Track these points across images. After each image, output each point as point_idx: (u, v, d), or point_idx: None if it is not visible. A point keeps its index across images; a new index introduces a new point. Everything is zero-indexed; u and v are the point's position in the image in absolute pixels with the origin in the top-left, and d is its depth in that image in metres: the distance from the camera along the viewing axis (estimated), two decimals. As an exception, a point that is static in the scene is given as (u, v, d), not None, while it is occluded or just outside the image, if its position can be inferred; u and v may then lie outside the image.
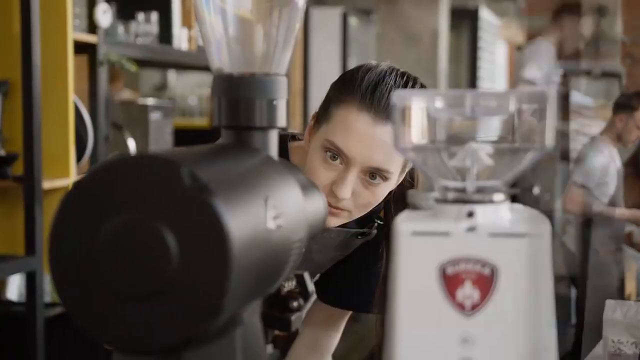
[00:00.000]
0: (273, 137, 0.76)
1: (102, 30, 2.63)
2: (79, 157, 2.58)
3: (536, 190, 4.61)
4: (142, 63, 3.24)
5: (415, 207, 0.72)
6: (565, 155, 4.57)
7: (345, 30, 5.20)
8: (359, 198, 1.25)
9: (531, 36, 10.06)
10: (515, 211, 0.69)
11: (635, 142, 4.41)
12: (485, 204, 0.65)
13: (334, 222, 1.28)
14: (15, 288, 2.72)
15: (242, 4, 0.77)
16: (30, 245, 2.40)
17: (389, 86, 1.24)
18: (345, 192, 1.23)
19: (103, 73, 2.62)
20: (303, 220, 0.73)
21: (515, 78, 4.43)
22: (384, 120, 1.21)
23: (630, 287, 4.68)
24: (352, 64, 6.18)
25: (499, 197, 0.66)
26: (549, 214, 4.43)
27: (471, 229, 0.64)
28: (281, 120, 0.76)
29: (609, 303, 1.77)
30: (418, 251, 0.64)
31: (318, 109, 1.31)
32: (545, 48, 4.41)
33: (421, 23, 5.98)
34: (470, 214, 0.65)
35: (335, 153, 1.23)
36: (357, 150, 1.22)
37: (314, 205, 0.80)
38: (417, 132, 0.67)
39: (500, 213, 0.66)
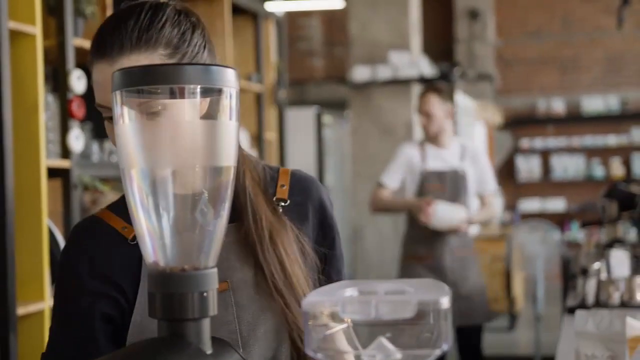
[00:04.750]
0: (205, 326, 0.83)
1: (76, 154, 2.71)
2: (54, 279, 2.61)
3: None
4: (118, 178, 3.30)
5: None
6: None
7: (319, 127, 5.34)
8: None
9: (508, 115, 10.27)
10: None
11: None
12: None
13: None
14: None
15: (172, 205, 0.83)
16: (5, 373, 2.41)
17: (116, 22, 1.17)
18: None
19: (76, 196, 2.69)
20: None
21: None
22: (126, 54, 1.15)
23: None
24: (327, 160, 6.27)
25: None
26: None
27: None
28: (212, 309, 0.83)
29: (580, 313, 1.63)
30: None
31: None
32: (401, 151, 4.20)
33: (395, 115, 6.12)
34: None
35: (104, 111, 1.18)
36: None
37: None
38: (326, 333, 0.73)
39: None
